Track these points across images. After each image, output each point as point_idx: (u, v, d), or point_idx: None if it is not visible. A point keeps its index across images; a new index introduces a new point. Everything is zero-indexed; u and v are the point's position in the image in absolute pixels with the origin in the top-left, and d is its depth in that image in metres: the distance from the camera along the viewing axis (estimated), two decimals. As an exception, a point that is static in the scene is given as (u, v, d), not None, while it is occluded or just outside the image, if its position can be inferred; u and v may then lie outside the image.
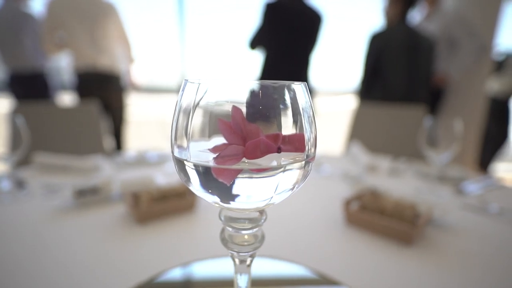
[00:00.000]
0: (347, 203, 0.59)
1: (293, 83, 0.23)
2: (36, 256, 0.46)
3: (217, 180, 0.21)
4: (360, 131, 1.42)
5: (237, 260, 0.27)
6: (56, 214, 0.60)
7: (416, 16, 2.06)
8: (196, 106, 0.22)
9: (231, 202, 0.23)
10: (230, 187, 0.22)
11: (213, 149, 0.21)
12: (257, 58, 2.02)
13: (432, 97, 2.14)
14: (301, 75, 1.95)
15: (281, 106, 0.22)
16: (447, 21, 2.07)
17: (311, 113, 0.24)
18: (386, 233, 0.53)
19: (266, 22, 1.77)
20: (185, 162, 0.22)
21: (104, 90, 1.96)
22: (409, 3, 1.71)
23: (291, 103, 0.23)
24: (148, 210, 0.57)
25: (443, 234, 0.55)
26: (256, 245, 0.26)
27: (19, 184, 0.73)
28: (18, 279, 0.40)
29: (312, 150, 0.24)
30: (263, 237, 0.27)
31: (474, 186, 0.80)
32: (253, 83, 0.21)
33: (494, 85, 2.78)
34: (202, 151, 0.22)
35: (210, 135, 0.21)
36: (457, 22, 2.06)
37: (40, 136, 1.20)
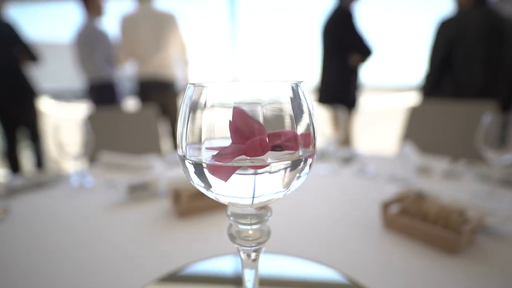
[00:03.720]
0: (385, 206, 0.56)
1: (293, 82, 0.23)
2: (91, 242, 0.53)
3: (213, 177, 0.23)
4: (416, 130, 1.31)
5: (242, 255, 0.28)
6: (112, 207, 0.68)
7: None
8: (199, 107, 0.23)
9: (230, 198, 0.24)
10: (227, 184, 0.23)
11: (211, 148, 0.23)
12: (313, 61, 2.09)
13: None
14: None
15: (281, 105, 0.23)
16: None
17: (310, 111, 0.24)
18: (428, 240, 0.49)
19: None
20: (185, 160, 0.24)
21: (162, 96, 2.16)
22: None
23: (291, 102, 0.23)
24: (187, 206, 0.62)
25: (498, 244, 0.49)
26: (261, 240, 0.27)
27: (86, 180, 0.84)
28: (76, 261, 0.47)
29: (310, 148, 0.24)
30: (268, 232, 0.27)
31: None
32: (253, 83, 0.22)
33: None
34: (201, 150, 0.23)
35: (210, 135, 0.23)
36: None
37: (110, 138, 1.36)
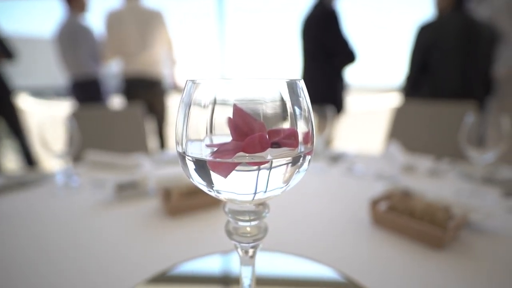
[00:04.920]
0: (374, 203, 0.57)
1: (290, 80, 0.23)
2: (79, 243, 0.51)
3: (213, 174, 0.23)
4: (400, 130, 1.34)
5: (240, 251, 0.28)
6: (100, 206, 0.66)
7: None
8: (199, 104, 0.23)
9: (229, 195, 0.24)
10: (227, 181, 0.23)
11: (210, 145, 0.23)
12: (297, 59, 2.05)
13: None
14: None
15: (279, 102, 0.23)
16: (495, 8, 1.84)
17: (307, 108, 0.24)
18: (415, 236, 0.50)
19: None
20: (185, 156, 0.24)
21: (149, 94, 2.12)
22: None
23: (289, 99, 0.23)
24: (177, 204, 0.61)
25: (481, 240, 0.51)
26: (258, 237, 0.27)
27: (71, 179, 0.82)
28: (63, 261, 0.46)
29: (308, 145, 0.24)
30: (266, 229, 0.28)
31: (528, 189, 0.72)
32: (249, 80, 0.22)
33: None
34: (201, 147, 0.23)
35: (209, 132, 0.23)
36: (505, 10, 1.82)
37: (94, 136, 1.32)
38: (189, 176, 0.25)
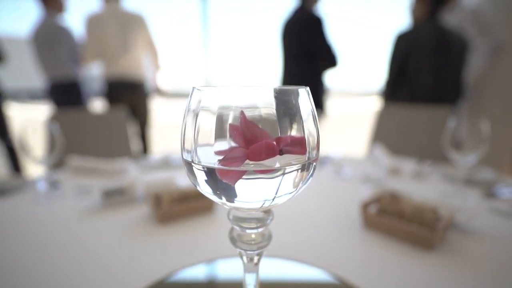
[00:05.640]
0: (365, 206, 0.59)
1: (296, 87, 0.24)
2: (65, 252, 0.49)
3: (222, 181, 0.23)
4: (383, 133, 1.38)
5: (245, 259, 0.28)
6: (86, 214, 0.64)
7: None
8: (203, 111, 0.23)
9: (236, 202, 0.24)
10: (235, 188, 0.23)
11: (219, 152, 0.23)
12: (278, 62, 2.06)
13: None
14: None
15: (285, 110, 0.23)
16: (462, 18, 1.97)
17: (313, 116, 0.25)
18: (405, 237, 0.52)
19: None
20: (193, 164, 0.24)
21: (132, 97, 2.09)
22: (437, 0, 1.64)
23: (295, 107, 0.23)
24: (168, 211, 0.60)
25: (467, 239, 0.53)
26: (263, 244, 0.27)
27: (54, 186, 0.79)
28: (49, 272, 0.44)
29: (314, 152, 0.25)
30: (270, 236, 0.28)
31: (506, 189, 0.76)
32: (257, 88, 0.23)
33: None
34: (208, 154, 0.23)
35: (216, 139, 0.23)
36: (470, 20, 1.95)
37: (75, 140, 1.28)
38: (196, 184, 0.25)
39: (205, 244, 0.52)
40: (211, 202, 0.64)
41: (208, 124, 0.23)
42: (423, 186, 0.81)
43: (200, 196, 0.65)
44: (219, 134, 0.23)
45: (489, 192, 0.74)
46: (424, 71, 1.67)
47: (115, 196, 0.69)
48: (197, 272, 0.43)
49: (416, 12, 1.74)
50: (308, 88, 0.25)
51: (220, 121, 0.23)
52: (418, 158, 1.12)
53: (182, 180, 0.77)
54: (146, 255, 0.49)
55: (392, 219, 0.54)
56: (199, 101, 0.23)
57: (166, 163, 1.03)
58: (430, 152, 1.21)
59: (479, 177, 0.84)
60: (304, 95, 0.24)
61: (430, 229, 0.50)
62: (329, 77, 2.20)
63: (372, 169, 0.96)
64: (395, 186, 0.79)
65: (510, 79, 2.24)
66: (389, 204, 0.57)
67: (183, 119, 0.25)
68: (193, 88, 0.24)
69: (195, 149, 0.23)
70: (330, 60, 2.05)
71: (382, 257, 0.48)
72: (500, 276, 0.43)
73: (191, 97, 0.24)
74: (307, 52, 2.06)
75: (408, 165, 0.94)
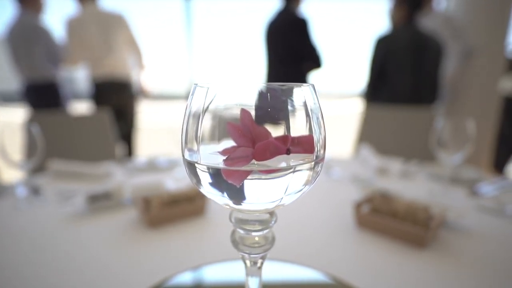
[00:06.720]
0: (358, 206, 0.59)
1: (301, 85, 0.23)
2: (49, 260, 0.47)
3: (227, 182, 0.22)
4: (369, 134, 1.40)
5: (248, 262, 0.27)
6: (70, 220, 0.61)
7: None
8: (205, 109, 0.22)
9: (241, 203, 0.23)
10: (240, 189, 0.22)
11: (223, 152, 0.22)
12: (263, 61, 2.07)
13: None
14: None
15: (290, 108, 0.22)
16: (436, 22, 2.06)
17: (320, 114, 0.24)
18: (399, 236, 0.52)
19: None
20: (196, 164, 0.22)
21: (119, 97, 2.06)
22: (414, 5, 1.71)
23: (300, 105, 0.23)
24: (158, 215, 0.58)
25: (457, 237, 0.54)
26: (267, 247, 0.26)
27: (35, 191, 0.75)
28: (32, 282, 0.41)
29: (321, 151, 0.24)
30: (273, 238, 0.27)
31: (489, 187, 0.78)
32: (261, 85, 0.22)
33: (507, 84, 2.72)
34: (212, 154, 0.22)
35: (220, 138, 0.22)
36: (444, 24, 2.05)
37: (55, 144, 1.23)
38: (198, 185, 0.23)
39: (198, 248, 0.51)
40: (202, 206, 0.63)
41: (211, 123, 0.22)
42: (411, 185, 0.83)
43: (191, 199, 0.63)
44: (223, 133, 0.22)
45: (473, 190, 0.76)
46: (403, 72, 1.74)
47: (101, 201, 0.66)
48: (192, 278, 0.41)
49: (395, 17, 1.81)
50: (314, 85, 0.24)
51: (224, 119, 0.22)
52: (404, 158, 1.15)
53: (170, 183, 0.75)
54: (136, 261, 0.46)
55: (386, 218, 0.54)
56: (201, 99, 0.22)
57: (152, 166, 1.01)
58: (415, 152, 1.24)
59: (464, 175, 0.87)
60: (310, 93, 0.23)
61: (423, 227, 0.51)
62: (313, 78, 2.23)
63: (360, 169, 0.97)
64: (384, 185, 0.80)
65: (483, 81, 2.34)
66: (382, 203, 0.58)
67: (184, 118, 0.24)
68: (195, 85, 0.23)
69: (198, 149, 0.22)
70: (314, 61, 2.07)
71: (376, 256, 0.48)
72: (492, 272, 0.44)
73: (192, 95, 0.23)
74: (291, 53, 2.08)
75: (395, 165, 0.95)
